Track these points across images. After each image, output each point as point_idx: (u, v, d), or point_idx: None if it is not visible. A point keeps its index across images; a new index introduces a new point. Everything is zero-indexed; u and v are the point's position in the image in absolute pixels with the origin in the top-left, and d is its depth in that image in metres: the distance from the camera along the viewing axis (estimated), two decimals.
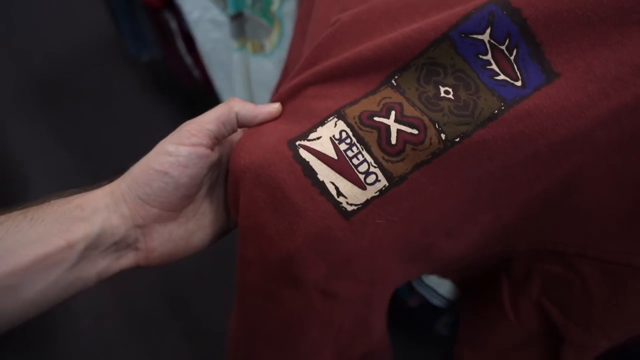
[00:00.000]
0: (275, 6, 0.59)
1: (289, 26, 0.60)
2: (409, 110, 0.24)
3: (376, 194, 0.25)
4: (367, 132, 0.25)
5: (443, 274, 0.43)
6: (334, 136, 0.25)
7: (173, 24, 0.92)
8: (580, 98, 0.22)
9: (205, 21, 0.79)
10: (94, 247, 0.27)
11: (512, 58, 0.23)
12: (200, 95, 1.03)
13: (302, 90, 0.28)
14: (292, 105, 0.29)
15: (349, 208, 0.25)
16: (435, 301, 0.55)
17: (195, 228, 0.32)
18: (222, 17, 0.75)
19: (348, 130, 0.25)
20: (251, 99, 0.77)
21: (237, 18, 0.66)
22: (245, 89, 0.76)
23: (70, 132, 1.28)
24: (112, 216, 0.28)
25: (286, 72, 0.47)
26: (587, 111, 0.22)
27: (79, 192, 0.29)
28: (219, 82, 0.89)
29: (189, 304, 0.99)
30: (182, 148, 0.28)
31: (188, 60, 0.98)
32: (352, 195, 0.25)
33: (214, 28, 0.78)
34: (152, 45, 1.11)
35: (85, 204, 0.28)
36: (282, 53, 0.64)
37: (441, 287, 0.52)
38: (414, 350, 0.89)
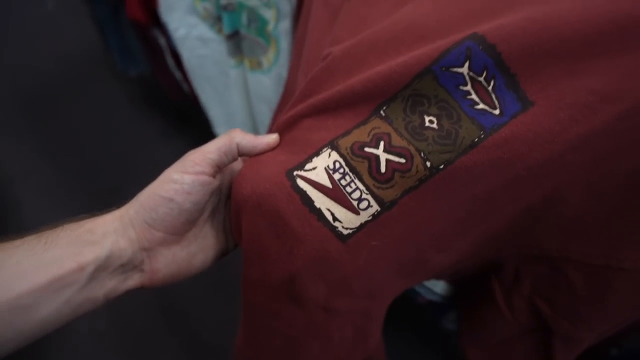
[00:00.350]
0: (271, 26, 0.61)
1: (284, 44, 0.62)
2: (397, 140, 0.26)
3: (369, 218, 0.27)
4: (358, 162, 0.27)
5: (436, 278, 0.45)
6: (328, 166, 0.27)
7: (162, 40, 0.93)
8: (552, 125, 0.24)
9: (192, 38, 0.80)
10: (102, 268, 0.29)
11: (489, 88, 0.25)
12: (189, 109, 1.04)
13: (298, 122, 0.30)
14: (290, 136, 0.31)
15: (345, 232, 0.27)
16: (431, 297, 0.58)
17: (197, 250, 0.34)
18: (210, 34, 0.76)
19: (341, 160, 0.27)
20: (250, 112, 0.79)
21: (234, 37, 0.68)
22: (245, 103, 0.78)
23: (60, 150, 1.27)
24: (120, 240, 0.30)
25: (286, 91, 0.49)
26: (559, 137, 0.24)
27: (90, 217, 0.31)
28: (205, 95, 0.91)
29: (185, 318, 1.00)
30: (187, 176, 0.30)
31: (177, 75, 0.99)
32: (346, 220, 0.27)
33: (201, 45, 0.80)
34: (140, 61, 1.12)
35: (95, 228, 0.29)
36: (279, 69, 0.67)
37: (437, 286, 0.56)
38: (422, 349, 0.90)
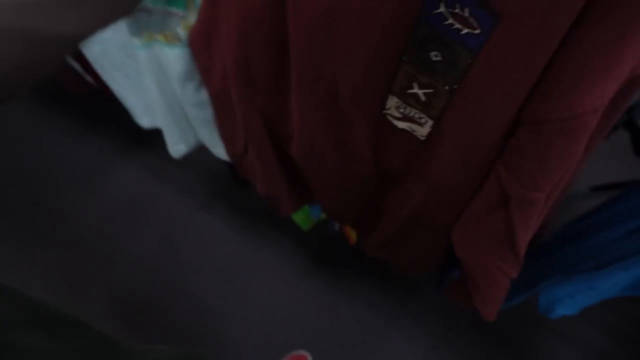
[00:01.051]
0: None
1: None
2: (423, 79, 0.38)
3: (430, 128, 0.42)
4: (408, 98, 0.41)
5: None
6: (396, 106, 0.43)
7: None
8: (519, 29, 0.30)
9: None
10: None
11: (466, 15, 0.31)
12: (99, 102, 0.96)
13: None
14: None
15: (421, 137, 0.44)
16: None
17: None
18: None
19: (400, 101, 0.42)
20: (172, 96, 0.71)
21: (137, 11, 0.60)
22: (161, 86, 0.70)
23: None
24: None
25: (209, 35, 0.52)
26: (525, 37, 0.30)
27: None
28: (117, 85, 0.81)
29: (154, 308, 0.96)
30: None
31: (77, 66, 0.91)
32: (419, 131, 0.44)
33: None
34: None
35: None
36: None
37: None
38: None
